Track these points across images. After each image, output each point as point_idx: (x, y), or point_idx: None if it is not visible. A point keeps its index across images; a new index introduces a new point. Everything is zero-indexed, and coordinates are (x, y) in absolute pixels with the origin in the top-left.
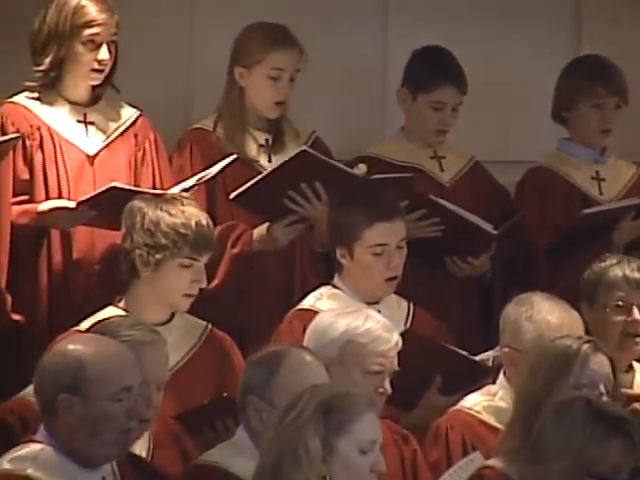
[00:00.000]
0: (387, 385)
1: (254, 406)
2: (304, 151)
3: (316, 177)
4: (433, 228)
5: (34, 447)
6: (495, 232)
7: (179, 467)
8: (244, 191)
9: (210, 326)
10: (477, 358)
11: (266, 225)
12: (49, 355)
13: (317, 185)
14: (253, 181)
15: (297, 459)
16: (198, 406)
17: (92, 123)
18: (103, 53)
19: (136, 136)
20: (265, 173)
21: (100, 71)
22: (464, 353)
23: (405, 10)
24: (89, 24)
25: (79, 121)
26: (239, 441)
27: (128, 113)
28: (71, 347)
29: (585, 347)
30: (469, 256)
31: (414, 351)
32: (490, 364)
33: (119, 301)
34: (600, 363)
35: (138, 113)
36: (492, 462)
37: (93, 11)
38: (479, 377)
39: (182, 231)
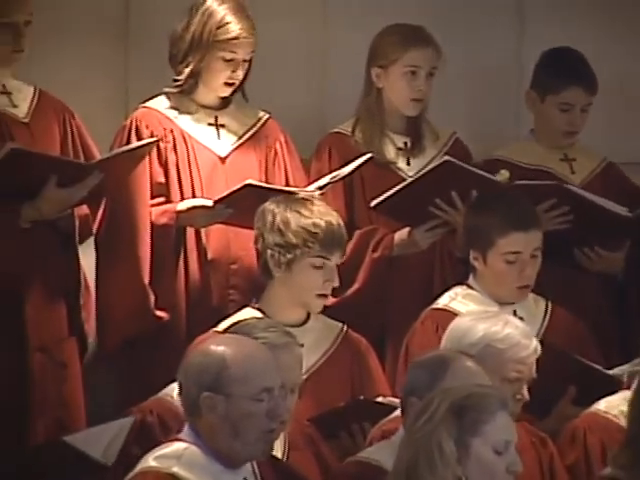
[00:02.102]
0: (525, 392)
1: (415, 409)
2: (447, 161)
3: (459, 183)
4: (562, 219)
5: (179, 446)
6: (629, 215)
7: (314, 469)
8: (385, 200)
9: (345, 327)
10: (611, 372)
11: (407, 229)
12: (193, 354)
13: (463, 191)
14: (394, 190)
15: (432, 461)
16: (335, 409)
17: (223, 126)
18: (238, 72)
19: (266, 138)
20: (407, 182)
21: (232, 84)
22: (599, 367)
23: (540, 9)
24: (230, 42)
25: (210, 124)
26: (399, 442)
27: (258, 116)
28: (214, 347)
29: None
30: (598, 246)
31: (549, 362)
32: (625, 379)
33: (256, 302)
34: None
35: (267, 116)
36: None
37: (237, 29)
38: (612, 390)
39: (312, 230)
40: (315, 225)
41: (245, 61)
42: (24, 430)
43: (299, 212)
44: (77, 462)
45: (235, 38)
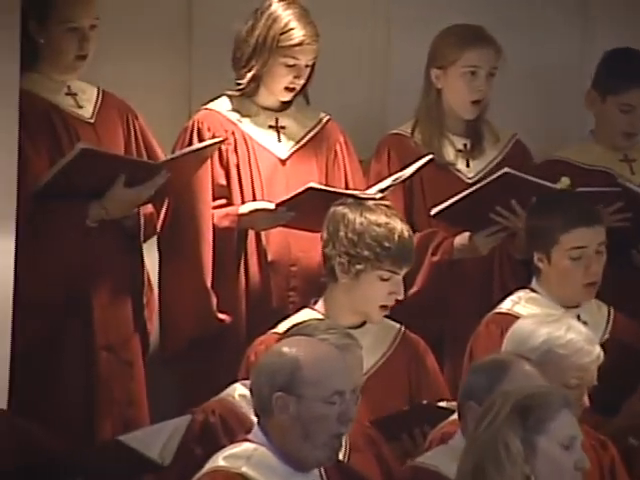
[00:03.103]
0: (585, 399)
1: (473, 413)
2: (506, 173)
3: (519, 191)
4: (620, 216)
5: (248, 446)
6: None
7: (375, 471)
8: (444, 208)
9: (403, 328)
10: None
11: (467, 234)
12: (266, 355)
13: (524, 198)
14: (453, 200)
15: (499, 462)
16: (397, 412)
17: (283, 128)
18: (300, 78)
19: (327, 140)
20: (466, 193)
21: (293, 89)
22: None
23: (605, 9)
24: (293, 48)
25: (271, 126)
26: (457, 446)
27: (318, 117)
28: (288, 348)
29: None
30: None
31: (617, 358)
32: None
33: (315, 303)
34: None
35: (328, 117)
36: None
37: (300, 35)
38: None
39: (385, 244)
40: (388, 239)
41: (307, 66)
42: (91, 429)
43: (374, 223)
44: (133, 461)
45: (298, 44)
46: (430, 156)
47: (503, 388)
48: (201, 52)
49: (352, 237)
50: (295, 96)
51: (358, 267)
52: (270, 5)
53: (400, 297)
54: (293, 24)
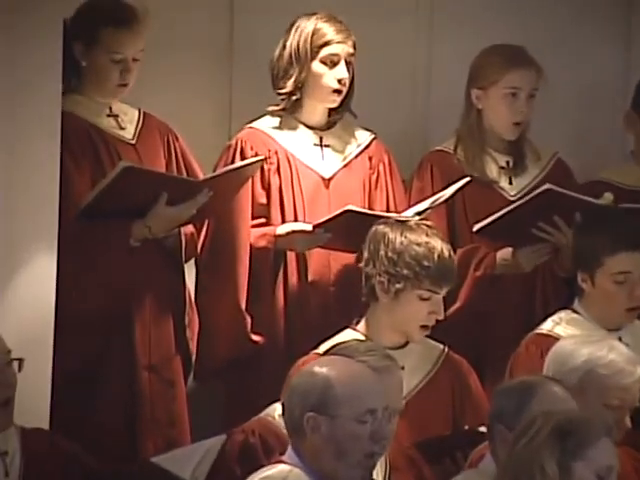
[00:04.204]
0: (627, 420)
1: (502, 436)
2: (548, 189)
3: (562, 207)
4: None
5: (283, 468)
6: None
7: None
8: (488, 224)
9: (447, 349)
10: None
11: (510, 249)
12: (297, 375)
13: (566, 214)
14: (495, 216)
15: None
16: (439, 437)
17: (328, 146)
18: (341, 71)
19: (370, 159)
20: (508, 209)
21: (339, 92)
22: None
23: None
24: (327, 43)
25: (315, 144)
26: (486, 469)
27: (363, 136)
28: (319, 368)
29: None
30: None
31: None
32: None
33: (357, 323)
34: None
35: (373, 136)
36: None
37: (331, 32)
38: None
39: (425, 263)
40: (428, 258)
41: (347, 64)
42: (134, 450)
43: (413, 242)
44: None
45: (331, 40)
46: (468, 178)
47: (531, 410)
48: (241, 72)
49: (392, 256)
50: (341, 105)
51: (397, 286)
52: (296, 20)
53: (440, 317)
54: (321, 24)
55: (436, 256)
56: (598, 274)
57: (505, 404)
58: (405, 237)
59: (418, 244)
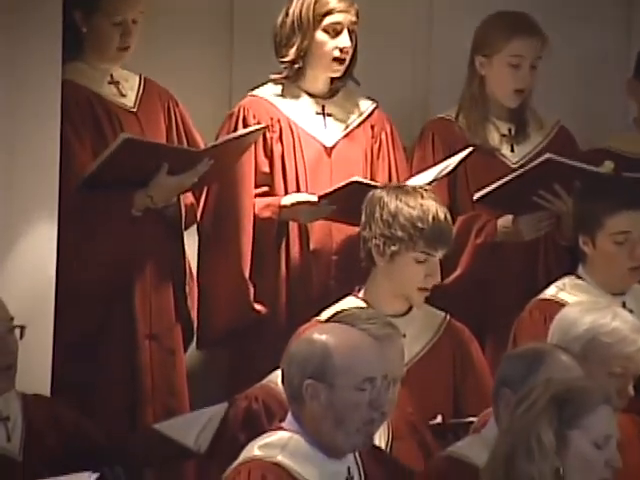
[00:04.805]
0: (630, 388)
1: (506, 400)
2: (548, 159)
3: (564, 175)
4: None
5: (283, 435)
6: None
7: (418, 457)
8: (488, 193)
9: (448, 317)
10: None
11: (511, 216)
12: (297, 343)
13: (567, 183)
14: (496, 185)
15: (530, 452)
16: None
17: (330, 115)
18: (344, 40)
19: (372, 128)
20: (508, 178)
21: (341, 61)
22: None
23: None
24: (330, 12)
25: (317, 113)
26: (488, 435)
27: (365, 105)
28: (318, 335)
29: None
30: None
31: None
32: None
33: (358, 291)
34: None
35: (375, 105)
36: None
37: (333, 0)
38: None
39: (419, 225)
40: (422, 220)
41: (350, 33)
42: (133, 417)
43: (408, 205)
44: (169, 449)
45: (334, 8)
46: (471, 148)
47: (538, 378)
48: (243, 42)
49: (387, 218)
50: (343, 75)
51: (393, 249)
52: None
53: (437, 280)
54: None
55: (430, 218)
56: (599, 236)
57: (513, 369)
58: (400, 200)
59: (413, 206)
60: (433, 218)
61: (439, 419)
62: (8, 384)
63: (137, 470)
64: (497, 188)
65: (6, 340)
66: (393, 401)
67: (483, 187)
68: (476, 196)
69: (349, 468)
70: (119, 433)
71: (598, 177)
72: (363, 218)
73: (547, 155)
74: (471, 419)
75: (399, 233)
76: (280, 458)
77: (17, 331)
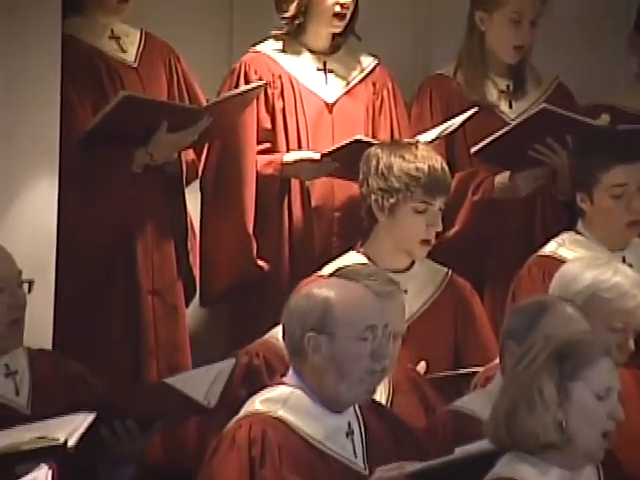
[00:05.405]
0: (631, 343)
1: (511, 352)
2: (544, 109)
3: (560, 128)
4: None
5: (284, 390)
6: None
7: (419, 412)
8: (485, 146)
9: (450, 272)
10: None
11: (508, 173)
12: (297, 297)
13: (563, 136)
14: (494, 137)
15: (532, 405)
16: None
17: (331, 71)
18: (346, 2)
19: (374, 84)
20: (505, 130)
21: (342, 17)
22: None
23: None
24: None
25: (319, 69)
26: (494, 390)
27: (367, 61)
28: (318, 289)
29: None
30: None
31: None
32: None
33: (360, 246)
34: None
35: (376, 61)
36: None
37: None
38: None
39: (414, 174)
40: (418, 169)
41: None
42: (136, 373)
43: (403, 157)
44: (179, 403)
45: None
46: (476, 109)
47: (542, 328)
48: None
49: (383, 172)
50: (344, 31)
51: (391, 201)
52: None
53: (439, 229)
54: None
55: (426, 167)
56: (595, 192)
57: (517, 321)
58: (395, 154)
59: (408, 158)
60: (429, 166)
61: (422, 365)
62: (17, 338)
63: (147, 424)
64: (494, 140)
65: (15, 294)
66: (394, 356)
67: (480, 143)
68: (473, 149)
69: (349, 422)
70: (123, 388)
71: (593, 129)
72: (360, 176)
73: (543, 105)
74: (476, 369)
75: (396, 184)
76: (281, 413)
77: (25, 285)
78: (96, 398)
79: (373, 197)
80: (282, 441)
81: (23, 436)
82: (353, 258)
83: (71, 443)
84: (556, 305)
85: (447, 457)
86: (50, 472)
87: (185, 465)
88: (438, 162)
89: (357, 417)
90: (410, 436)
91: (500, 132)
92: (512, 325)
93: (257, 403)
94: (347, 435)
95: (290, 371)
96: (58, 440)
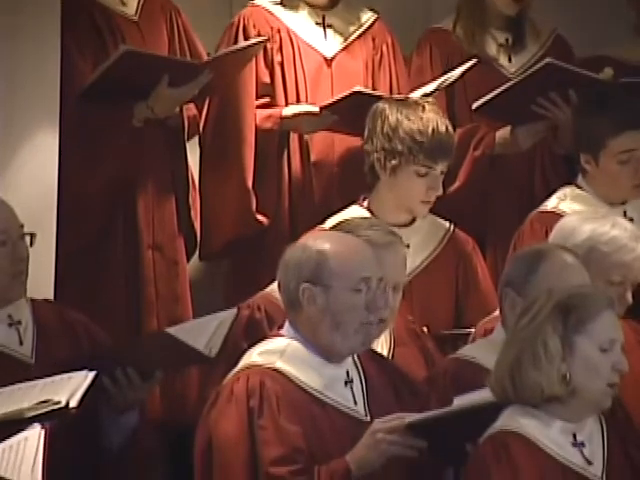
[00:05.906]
0: (628, 295)
1: (511, 301)
2: (549, 63)
3: (562, 83)
4: None
5: (281, 341)
6: None
7: (419, 362)
8: (486, 102)
9: (453, 227)
10: None
11: (509, 128)
12: (291, 249)
13: (566, 90)
14: (496, 92)
15: (536, 358)
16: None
17: (330, 26)
18: None
19: (374, 39)
20: (507, 85)
21: None
22: None
23: None
24: None
25: (318, 24)
26: (496, 339)
27: (366, 16)
28: (312, 241)
29: None
30: None
31: None
32: None
33: (364, 200)
34: None
35: (376, 16)
36: None
37: None
38: None
39: (417, 138)
40: (421, 133)
41: None
42: (137, 326)
43: (408, 117)
44: (180, 353)
45: None
46: (475, 60)
47: (540, 275)
48: None
49: (387, 132)
50: None
51: (393, 162)
52: None
53: (439, 193)
54: None
55: (430, 130)
56: (602, 156)
57: (515, 269)
58: (401, 113)
59: (413, 119)
60: (433, 130)
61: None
62: (20, 290)
63: (148, 373)
64: (496, 96)
65: (18, 247)
66: (394, 308)
67: (481, 97)
68: (475, 105)
69: (348, 371)
70: (130, 337)
71: (598, 87)
72: (366, 132)
73: (547, 59)
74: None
75: (399, 147)
76: (279, 364)
77: (27, 238)
78: (98, 346)
79: (376, 155)
80: (280, 391)
81: (27, 396)
82: (356, 212)
83: (73, 404)
84: (554, 252)
85: (447, 408)
86: (42, 432)
87: (186, 419)
88: (443, 125)
89: (356, 366)
90: (411, 387)
91: (503, 87)
92: (511, 273)
93: (254, 355)
94: (346, 384)
95: (286, 323)
96: (60, 403)
